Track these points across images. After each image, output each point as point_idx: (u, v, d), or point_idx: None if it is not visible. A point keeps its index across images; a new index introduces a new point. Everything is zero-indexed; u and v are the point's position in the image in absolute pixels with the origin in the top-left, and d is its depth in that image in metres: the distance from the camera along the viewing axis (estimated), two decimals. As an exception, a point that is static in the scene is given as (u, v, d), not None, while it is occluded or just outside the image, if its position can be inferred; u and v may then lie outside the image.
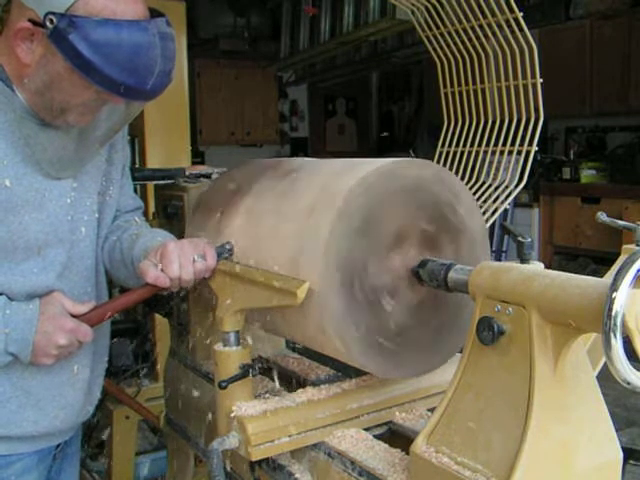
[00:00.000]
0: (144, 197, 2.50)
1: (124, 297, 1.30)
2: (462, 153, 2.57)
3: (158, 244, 1.29)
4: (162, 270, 1.23)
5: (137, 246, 1.34)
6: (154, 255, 1.25)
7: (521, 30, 2.27)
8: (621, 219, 1.74)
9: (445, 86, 2.62)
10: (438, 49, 2.60)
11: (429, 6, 2.53)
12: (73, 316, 1.24)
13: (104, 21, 1.08)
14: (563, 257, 6.06)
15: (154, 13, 1.17)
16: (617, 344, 0.76)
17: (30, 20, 1.11)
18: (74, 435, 1.49)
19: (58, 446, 1.43)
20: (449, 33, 2.53)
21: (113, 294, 1.62)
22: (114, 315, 1.33)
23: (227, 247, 1.27)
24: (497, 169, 2.43)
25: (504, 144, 2.39)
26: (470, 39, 2.48)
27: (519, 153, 2.33)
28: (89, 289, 1.38)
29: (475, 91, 2.51)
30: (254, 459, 1.15)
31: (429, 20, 2.57)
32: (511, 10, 2.25)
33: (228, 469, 1.25)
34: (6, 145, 1.19)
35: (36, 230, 1.24)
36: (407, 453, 1.05)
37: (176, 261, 1.22)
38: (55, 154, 1.25)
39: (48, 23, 1.08)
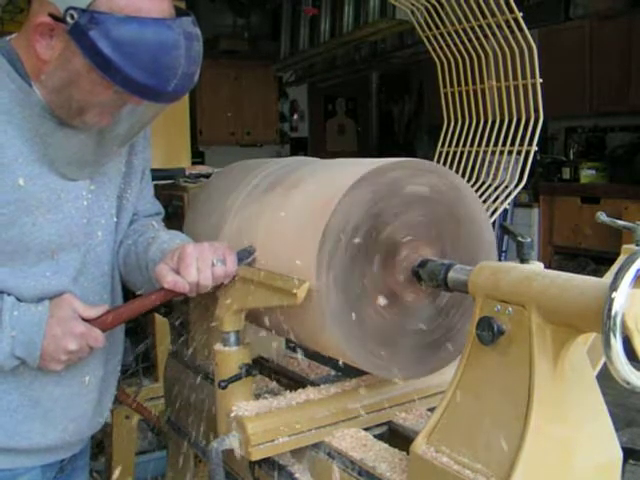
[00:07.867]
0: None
1: (139, 301, 1.23)
2: (462, 153, 2.57)
3: (176, 246, 1.23)
4: (179, 273, 1.16)
5: (153, 248, 1.28)
6: (171, 258, 1.19)
7: (521, 30, 2.26)
8: (621, 219, 1.74)
9: (445, 86, 2.62)
10: (438, 49, 2.60)
11: (429, 6, 2.53)
12: (85, 320, 1.18)
13: (127, 18, 1.03)
14: (563, 257, 6.07)
15: (180, 12, 1.12)
16: (617, 344, 0.76)
17: (50, 15, 1.06)
18: (83, 448, 1.42)
19: (63, 460, 1.37)
20: (449, 33, 2.53)
21: None
22: (127, 320, 1.26)
23: (249, 251, 1.19)
24: (497, 169, 2.43)
25: (504, 144, 2.39)
26: (470, 39, 2.48)
27: (519, 153, 2.33)
28: (105, 296, 1.32)
29: (475, 91, 2.51)
30: (254, 459, 1.15)
31: (429, 20, 2.56)
32: (511, 10, 2.25)
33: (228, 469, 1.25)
34: (21, 143, 1.14)
35: (50, 232, 1.19)
36: (407, 453, 1.05)
37: (194, 265, 1.15)
38: (72, 154, 1.20)
39: (69, 18, 1.03)
